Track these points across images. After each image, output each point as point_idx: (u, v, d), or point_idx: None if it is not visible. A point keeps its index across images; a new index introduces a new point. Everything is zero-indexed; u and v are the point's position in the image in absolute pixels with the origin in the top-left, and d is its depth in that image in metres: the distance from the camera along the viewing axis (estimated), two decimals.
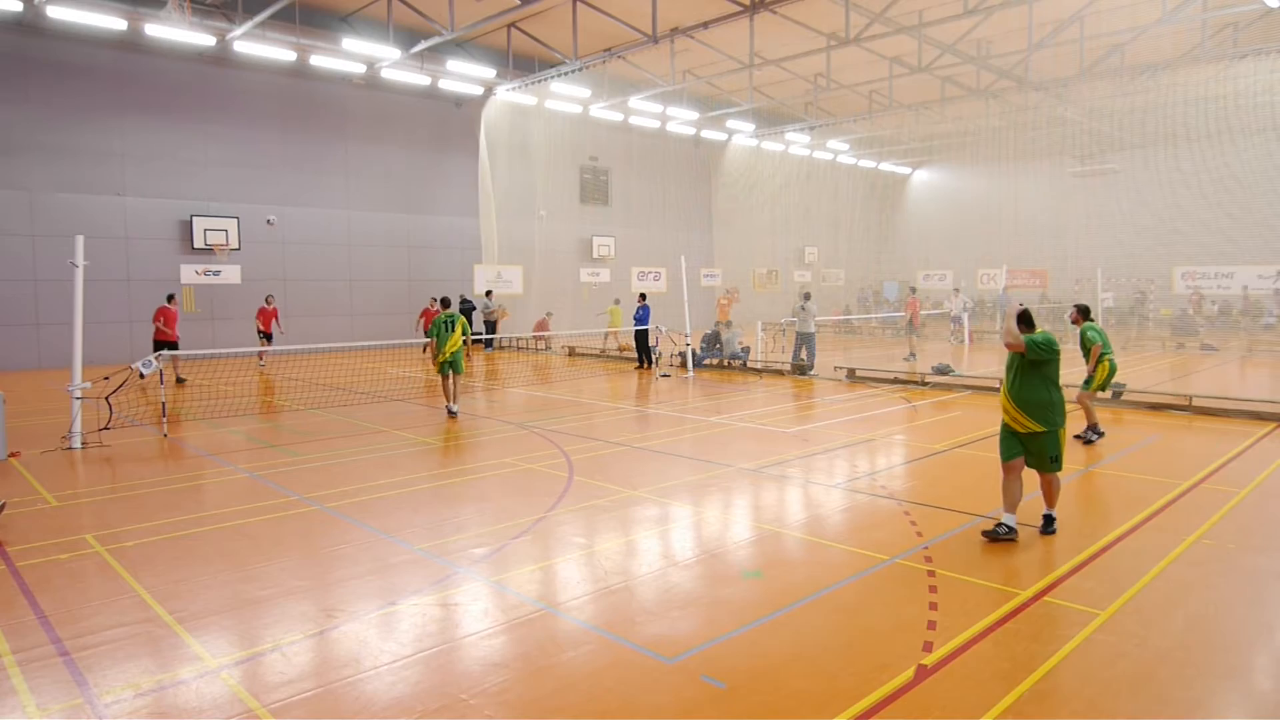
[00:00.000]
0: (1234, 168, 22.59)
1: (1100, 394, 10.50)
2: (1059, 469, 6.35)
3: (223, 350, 20.10)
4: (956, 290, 27.88)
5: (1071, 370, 17.71)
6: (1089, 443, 9.94)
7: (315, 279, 23.55)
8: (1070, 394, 14.28)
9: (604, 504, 7.45)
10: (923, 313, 24.17)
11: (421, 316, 21.95)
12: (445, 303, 13.35)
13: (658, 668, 4.29)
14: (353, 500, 7.63)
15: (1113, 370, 10.17)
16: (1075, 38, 22.10)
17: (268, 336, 19.68)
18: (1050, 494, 6.47)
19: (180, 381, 16.87)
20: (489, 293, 24.89)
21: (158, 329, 16.54)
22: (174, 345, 16.34)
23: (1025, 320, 6.42)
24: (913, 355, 20.77)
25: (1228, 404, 11.95)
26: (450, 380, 12.45)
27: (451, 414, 12.35)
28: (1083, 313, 10.27)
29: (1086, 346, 10.13)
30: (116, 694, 4.05)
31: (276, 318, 19.95)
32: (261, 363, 20.27)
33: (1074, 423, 11.32)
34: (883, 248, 37.56)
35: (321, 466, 9.12)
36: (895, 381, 15.85)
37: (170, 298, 17.02)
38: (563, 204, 29.07)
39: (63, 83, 19.65)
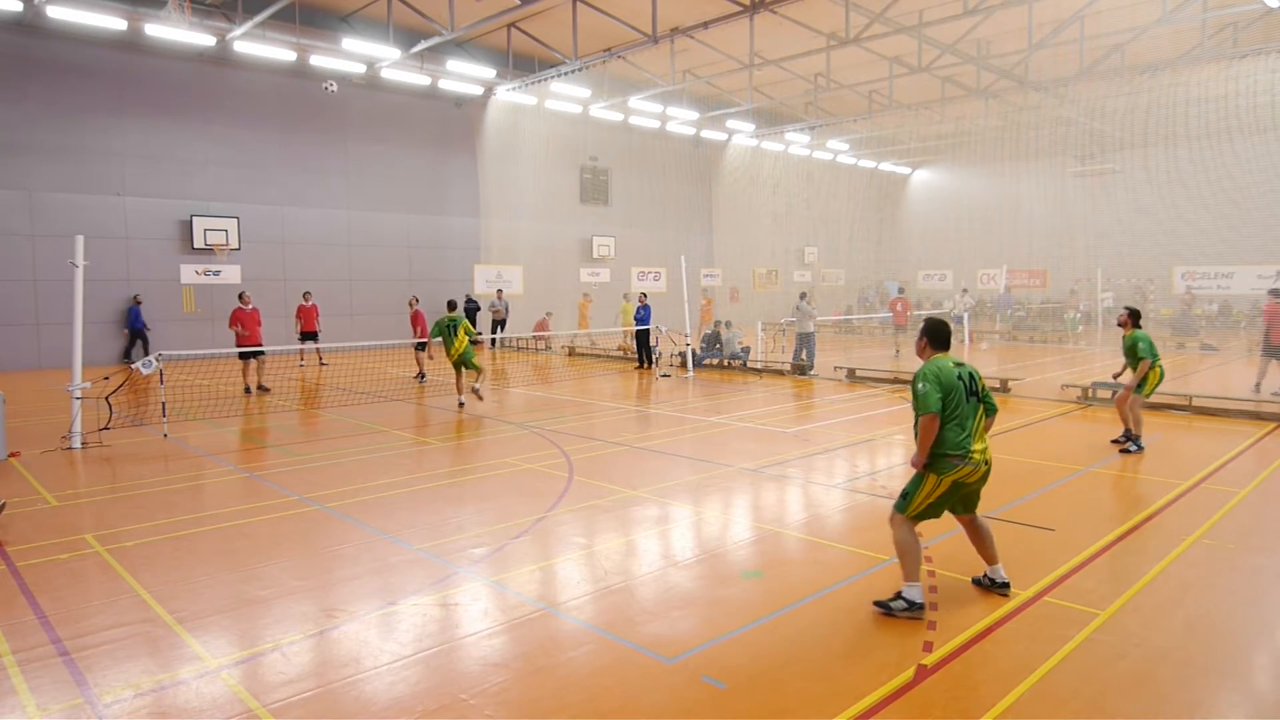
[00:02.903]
0: (1234, 168, 22.63)
1: (1133, 396, 9.72)
2: (900, 509, 5.03)
3: (222, 350, 20.04)
4: (964, 290, 27.92)
5: (1084, 368, 17.71)
6: (1125, 452, 9.32)
7: (315, 279, 23.51)
8: (1056, 393, 14.18)
9: (604, 504, 7.45)
10: (917, 312, 24.21)
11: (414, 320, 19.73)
12: (451, 305, 13.70)
13: (658, 668, 4.29)
14: (353, 500, 7.63)
15: (1161, 377, 9.68)
16: (1075, 38, 22.11)
17: (312, 336, 19.24)
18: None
19: (263, 390, 15.23)
20: (500, 292, 25.10)
21: (237, 335, 14.81)
22: (256, 350, 14.84)
23: (933, 336, 5.15)
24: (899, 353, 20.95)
25: (1228, 404, 11.95)
26: (463, 376, 13.48)
27: (460, 405, 13.21)
28: (1134, 317, 9.72)
29: (1136, 356, 9.51)
30: (116, 694, 4.05)
31: (317, 314, 19.54)
32: (324, 362, 20.33)
33: (1110, 427, 11.34)
34: (883, 248, 37.57)
35: (322, 466, 9.12)
36: (895, 381, 15.84)
37: (241, 296, 15.30)
38: (563, 204, 29.09)
39: (63, 83, 19.64)
